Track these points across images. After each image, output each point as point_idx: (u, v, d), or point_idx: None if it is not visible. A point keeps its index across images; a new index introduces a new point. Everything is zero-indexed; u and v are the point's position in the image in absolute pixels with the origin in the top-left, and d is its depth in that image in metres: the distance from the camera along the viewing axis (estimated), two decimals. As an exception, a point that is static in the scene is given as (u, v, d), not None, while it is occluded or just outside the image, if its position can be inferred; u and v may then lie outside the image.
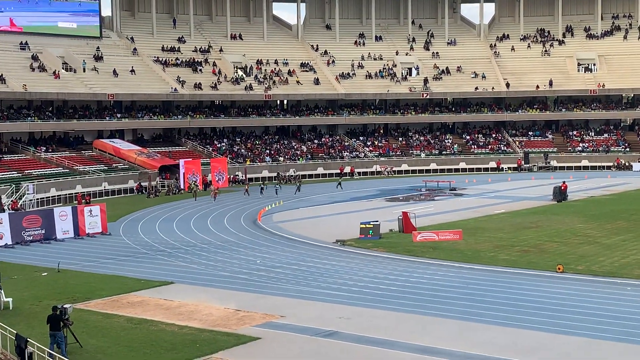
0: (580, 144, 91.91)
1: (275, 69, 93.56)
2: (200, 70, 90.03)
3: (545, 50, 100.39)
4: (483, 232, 42.64)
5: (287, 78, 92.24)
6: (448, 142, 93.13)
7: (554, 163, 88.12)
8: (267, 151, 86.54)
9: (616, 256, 34.64)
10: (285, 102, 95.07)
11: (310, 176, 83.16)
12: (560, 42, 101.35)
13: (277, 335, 23.14)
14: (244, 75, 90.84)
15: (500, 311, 25.41)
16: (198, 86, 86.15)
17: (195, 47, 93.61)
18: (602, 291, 28.16)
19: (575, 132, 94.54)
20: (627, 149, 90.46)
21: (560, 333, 22.69)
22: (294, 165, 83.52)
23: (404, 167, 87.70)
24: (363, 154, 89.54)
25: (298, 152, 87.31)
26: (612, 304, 26.06)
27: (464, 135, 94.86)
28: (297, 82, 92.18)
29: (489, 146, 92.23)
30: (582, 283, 29.62)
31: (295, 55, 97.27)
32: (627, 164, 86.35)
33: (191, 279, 31.76)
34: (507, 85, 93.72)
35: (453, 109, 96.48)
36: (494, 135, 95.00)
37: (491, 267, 33.17)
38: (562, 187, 58.21)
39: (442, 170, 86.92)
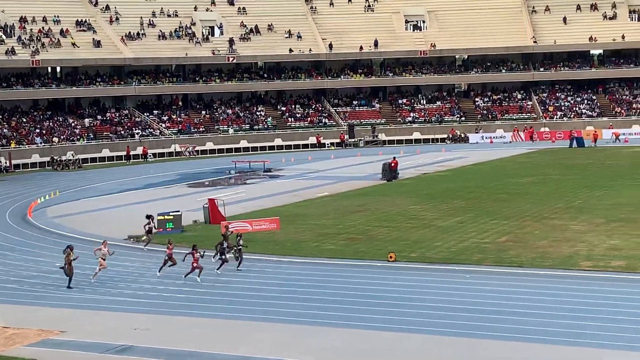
0: (411, 114, 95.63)
1: (44, 28, 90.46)
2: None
3: (369, 5, 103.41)
4: (304, 219, 43.43)
5: (59, 40, 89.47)
6: (260, 114, 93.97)
7: (382, 136, 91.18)
8: (38, 130, 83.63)
9: (453, 240, 36.30)
10: (58, 69, 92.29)
11: (94, 160, 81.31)
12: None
13: (57, 355, 22.47)
14: (4, 37, 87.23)
15: (330, 310, 25.91)
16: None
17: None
18: (439, 280, 29.42)
19: (405, 100, 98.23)
20: (463, 118, 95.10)
21: (400, 331, 23.32)
22: (72, 147, 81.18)
23: (209, 145, 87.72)
24: (158, 131, 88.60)
25: (77, 131, 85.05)
26: (452, 295, 27.24)
27: (278, 107, 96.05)
28: (73, 44, 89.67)
29: (309, 119, 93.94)
30: (417, 272, 30.81)
31: (69, 11, 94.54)
32: (462, 135, 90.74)
33: (-57, 293, 30.15)
34: (330, 46, 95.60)
35: (265, 76, 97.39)
36: (313, 105, 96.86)
37: (315, 259, 33.87)
38: (392, 164, 60.33)
39: (254, 149, 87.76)
